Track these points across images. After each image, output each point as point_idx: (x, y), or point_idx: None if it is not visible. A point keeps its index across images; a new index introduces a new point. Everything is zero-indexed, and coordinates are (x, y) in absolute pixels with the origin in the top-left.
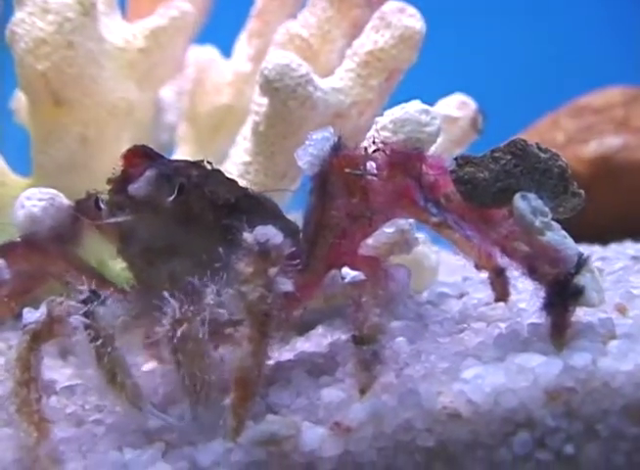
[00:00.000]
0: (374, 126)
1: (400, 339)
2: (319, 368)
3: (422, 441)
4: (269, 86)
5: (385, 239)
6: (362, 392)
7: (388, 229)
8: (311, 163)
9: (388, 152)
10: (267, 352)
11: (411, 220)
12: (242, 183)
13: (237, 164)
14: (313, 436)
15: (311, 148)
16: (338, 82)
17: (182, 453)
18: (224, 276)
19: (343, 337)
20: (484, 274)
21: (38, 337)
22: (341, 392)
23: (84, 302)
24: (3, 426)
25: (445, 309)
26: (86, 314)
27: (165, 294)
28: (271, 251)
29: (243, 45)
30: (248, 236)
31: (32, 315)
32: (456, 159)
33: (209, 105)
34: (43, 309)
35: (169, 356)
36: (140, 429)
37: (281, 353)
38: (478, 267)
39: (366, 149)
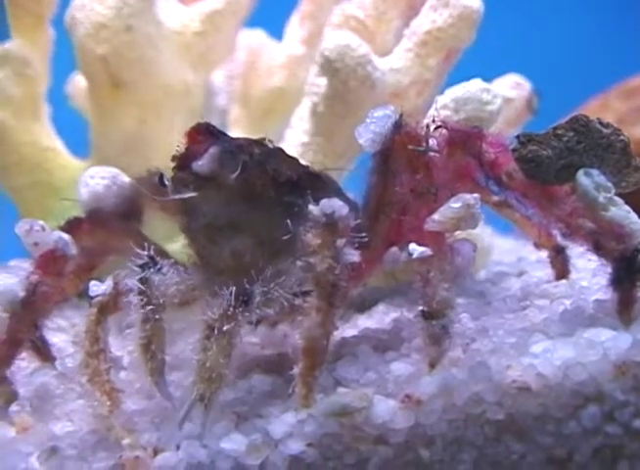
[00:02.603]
0: (434, 105)
1: (464, 315)
2: (384, 344)
3: (492, 413)
4: (329, 66)
5: (451, 214)
6: (431, 366)
7: (455, 204)
8: (373, 140)
9: (447, 130)
10: (335, 322)
11: (476, 195)
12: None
13: (295, 145)
14: (385, 408)
15: (373, 125)
16: (396, 62)
17: (254, 425)
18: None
19: (406, 314)
20: (543, 253)
21: (105, 309)
22: (409, 366)
23: (142, 267)
24: (77, 398)
25: (506, 287)
26: (142, 281)
27: (225, 288)
28: (338, 222)
29: (295, 28)
30: (314, 208)
31: (99, 288)
32: (518, 137)
33: (262, 88)
34: (110, 282)
35: (200, 341)
36: None
37: (344, 330)
38: (537, 246)
39: (428, 126)
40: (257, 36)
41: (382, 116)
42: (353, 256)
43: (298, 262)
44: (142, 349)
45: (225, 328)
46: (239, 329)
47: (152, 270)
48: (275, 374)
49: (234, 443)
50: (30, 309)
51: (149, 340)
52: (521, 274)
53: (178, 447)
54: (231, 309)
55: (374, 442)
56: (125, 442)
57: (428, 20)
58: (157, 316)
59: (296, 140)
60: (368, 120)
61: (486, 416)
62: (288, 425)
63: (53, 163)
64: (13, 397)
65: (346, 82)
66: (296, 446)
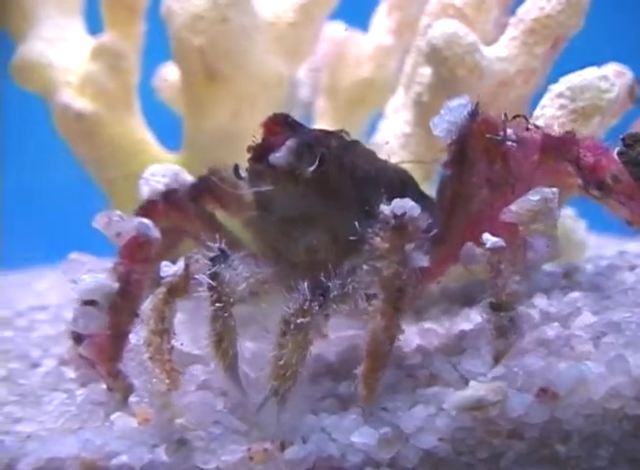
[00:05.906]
0: (546, 94)
1: (584, 308)
2: None
3: (630, 409)
4: (437, 55)
5: (528, 206)
6: (496, 359)
7: (533, 197)
8: (448, 130)
9: (539, 135)
10: (400, 326)
11: (555, 189)
12: (402, 155)
13: (394, 135)
14: (519, 402)
15: (448, 115)
16: (502, 51)
17: (382, 419)
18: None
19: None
20: None
21: (174, 290)
22: (538, 360)
23: (213, 260)
24: (196, 390)
25: (621, 280)
26: (212, 275)
27: (300, 282)
28: (408, 224)
29: (382, 18)
30: (385, 208)
31: (170, 269)
32: (623, 139)
33: (350, 79)
34: (181, 264)
35: (276, 336)
36: (329, 394)
37: (457, 323)
38: (629, 223)
39: (506, 115)
40: (339, 28)
41: (457, 105)
42: (422, 261)
43: (364, 266)
44: (214, 346)
45: (300, 322)
46: (315, 323)
47: (222, 265)
48: (392, 367)
49: (364, 436)
50: (128, 299)
51: (220, 337)
52: (633, 268)
53: (304, 441)
54: (307, 303)
55: (508, 436)
56: (179, 421)
57: (535, 7)
58: (226, 314)
59: (394, 131)
60: (443, 111)
61: (625, 411)
62: (418, 419)
63: (146, 155)
64: (130, 389)
65: (454, 71)
66: (428, 441)
